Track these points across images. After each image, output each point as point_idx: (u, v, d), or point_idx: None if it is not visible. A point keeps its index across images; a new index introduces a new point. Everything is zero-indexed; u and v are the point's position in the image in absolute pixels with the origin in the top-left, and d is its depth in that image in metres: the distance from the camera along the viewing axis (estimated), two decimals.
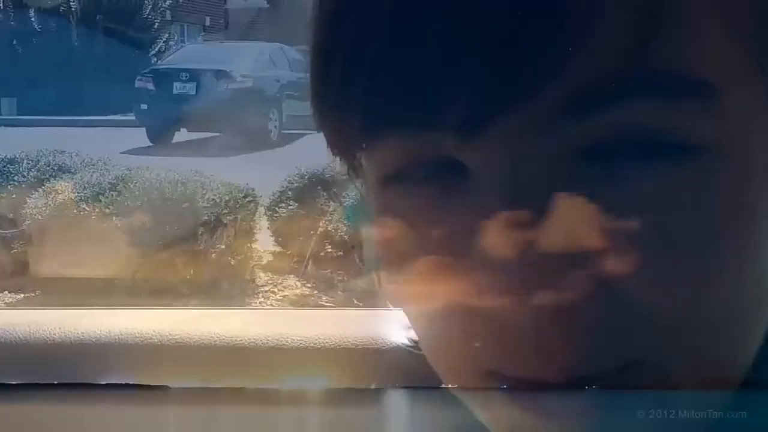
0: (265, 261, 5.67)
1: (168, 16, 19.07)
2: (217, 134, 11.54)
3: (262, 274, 5.48)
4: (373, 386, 0.77)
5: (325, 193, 5.71)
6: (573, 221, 0.38)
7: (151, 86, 12.45)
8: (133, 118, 12.71)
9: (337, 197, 5.64)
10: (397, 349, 0.83)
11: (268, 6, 21.59)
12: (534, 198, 0.39)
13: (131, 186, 5.31)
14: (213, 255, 5.36)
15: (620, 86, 0.37)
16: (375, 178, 0.45)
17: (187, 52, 14.78)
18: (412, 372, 0.75)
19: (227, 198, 5.40)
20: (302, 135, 12.07)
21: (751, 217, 0.40)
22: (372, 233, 0.47)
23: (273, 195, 5.75)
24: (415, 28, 0.39)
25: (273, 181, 5.90)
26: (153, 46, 18.04)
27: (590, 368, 0.40)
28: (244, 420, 0.83)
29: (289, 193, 5.71)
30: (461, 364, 0.44)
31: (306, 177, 5.78)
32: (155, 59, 16.58)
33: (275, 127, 12.20)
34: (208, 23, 21.34)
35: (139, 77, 12.76)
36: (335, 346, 0.86)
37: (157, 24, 18.48)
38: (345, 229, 5.51)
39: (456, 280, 0.41)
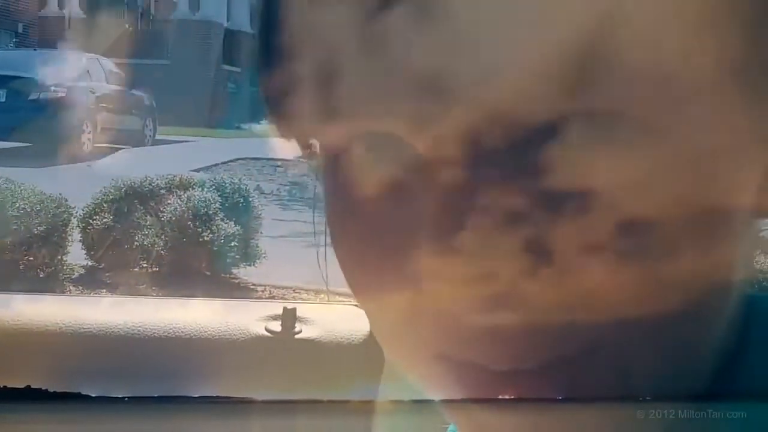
0: (76, 274, 5.50)
1: None
2: (28, 144, 11.13)
3: (72, 288, 5.31)
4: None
5: (141, 207, 5.59)
6: (524, 207, 0.38)
7: None
8: None
9: (155, 211, 5.54)
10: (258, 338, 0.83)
11: (84, 16, 21.00)
12: (484, 181, 0.38)
13: None
14: (21, 266, 5.17)
15: (578, 76, 0.37)
16: (326, 161, 0.45)
17: None
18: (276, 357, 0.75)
19: (39, 208, 5.22)
20: (117, 148, 11.80)
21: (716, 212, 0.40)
22: (325, 219, 0.46)
23: (87, 207, 5.58)
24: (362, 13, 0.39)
25: (87, 193, 5.74)
26: None
27: (541, 354, 0.40)
28: None
29: (104, 205, 5.57)
30: (411, 350, 0.44)
31: (122, 189, 5.65)
32: None
33: (89, 139, 11.87)
34: (20, 30, 20.56)
35: None
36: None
37: None
38: (162, 243, 5.41)
39: (405, 266, 0.41)
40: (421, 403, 0.47)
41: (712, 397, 0.43)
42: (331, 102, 0.41)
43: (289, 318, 1.13)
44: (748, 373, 0.45)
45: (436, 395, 0.45)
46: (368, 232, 0.43)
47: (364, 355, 1.12)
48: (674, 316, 0.40)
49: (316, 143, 0.46)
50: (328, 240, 0.47)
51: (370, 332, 1.23)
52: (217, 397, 0.58)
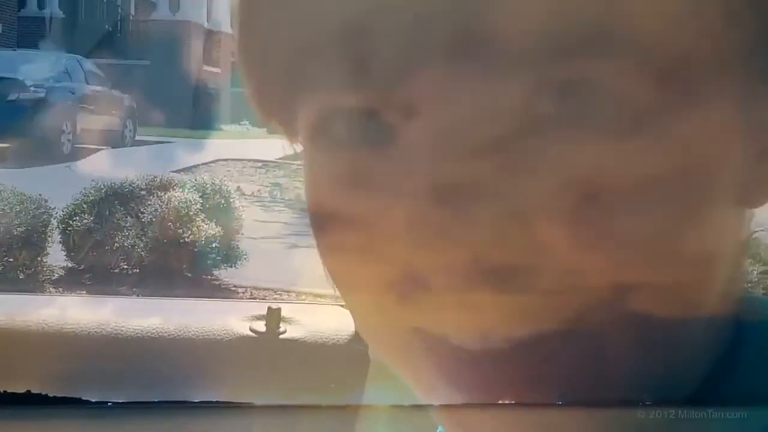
0: (56, 276, 5.47)
1: None
2: (6, 145, 11.07)
3: (52, 290, 5.28)
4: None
5: (122, 208, 5.56)
6: (499, 180, 0.37)
7: None
8: None
9: (135, 212, 5.51)
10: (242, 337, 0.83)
11: (64, 16, 20.89)
12: (457, 157, 0.37)
13: None
14: (0, 268, 5.14)
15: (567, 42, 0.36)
16: (305, 141, 0.45)
17: None
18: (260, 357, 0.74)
19: (18, 209, 5.19)
20: (97, 149, 11.74)
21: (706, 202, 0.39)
22: (305, 196, 0.45)
23: (66, 208, 5.55)
24: None
25: (66, 194, 5.71)
26: None
27: (513, 330, 0.39)
28: None
29: (84, 206, 5.53)
30: (386, 324, 0.43)
31: (102, 190, 5.62)
32: None
33: (68, 140, 11.82)
34: (0, 30, 20.45)
35: None
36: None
37: None
38: (142, 244, 5.39)
39: (380, 243, 0.40)
40: (408, 404, 0.47)
41: (695, 396, 0.43)
42: (310, 78, 0.41)
43: (273, 318, 1.13)
44: (724, 374, 0.44)
45: (420, 388, 0.45)
46: (344, 212, 0.42)
47: (350, 354, 1.12)
48: (653, 303, 0.39)
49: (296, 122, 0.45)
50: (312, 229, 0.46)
51: (356, 332, 1.24)
52: (203, 402, 0.58)
